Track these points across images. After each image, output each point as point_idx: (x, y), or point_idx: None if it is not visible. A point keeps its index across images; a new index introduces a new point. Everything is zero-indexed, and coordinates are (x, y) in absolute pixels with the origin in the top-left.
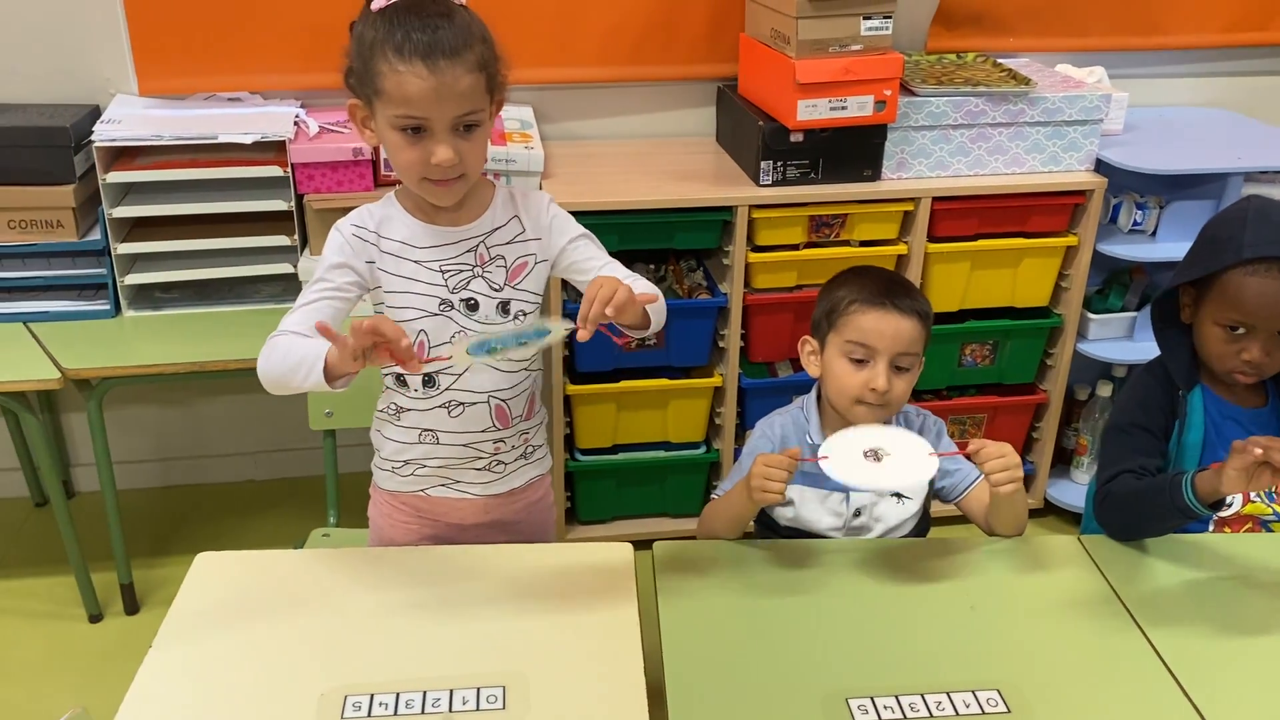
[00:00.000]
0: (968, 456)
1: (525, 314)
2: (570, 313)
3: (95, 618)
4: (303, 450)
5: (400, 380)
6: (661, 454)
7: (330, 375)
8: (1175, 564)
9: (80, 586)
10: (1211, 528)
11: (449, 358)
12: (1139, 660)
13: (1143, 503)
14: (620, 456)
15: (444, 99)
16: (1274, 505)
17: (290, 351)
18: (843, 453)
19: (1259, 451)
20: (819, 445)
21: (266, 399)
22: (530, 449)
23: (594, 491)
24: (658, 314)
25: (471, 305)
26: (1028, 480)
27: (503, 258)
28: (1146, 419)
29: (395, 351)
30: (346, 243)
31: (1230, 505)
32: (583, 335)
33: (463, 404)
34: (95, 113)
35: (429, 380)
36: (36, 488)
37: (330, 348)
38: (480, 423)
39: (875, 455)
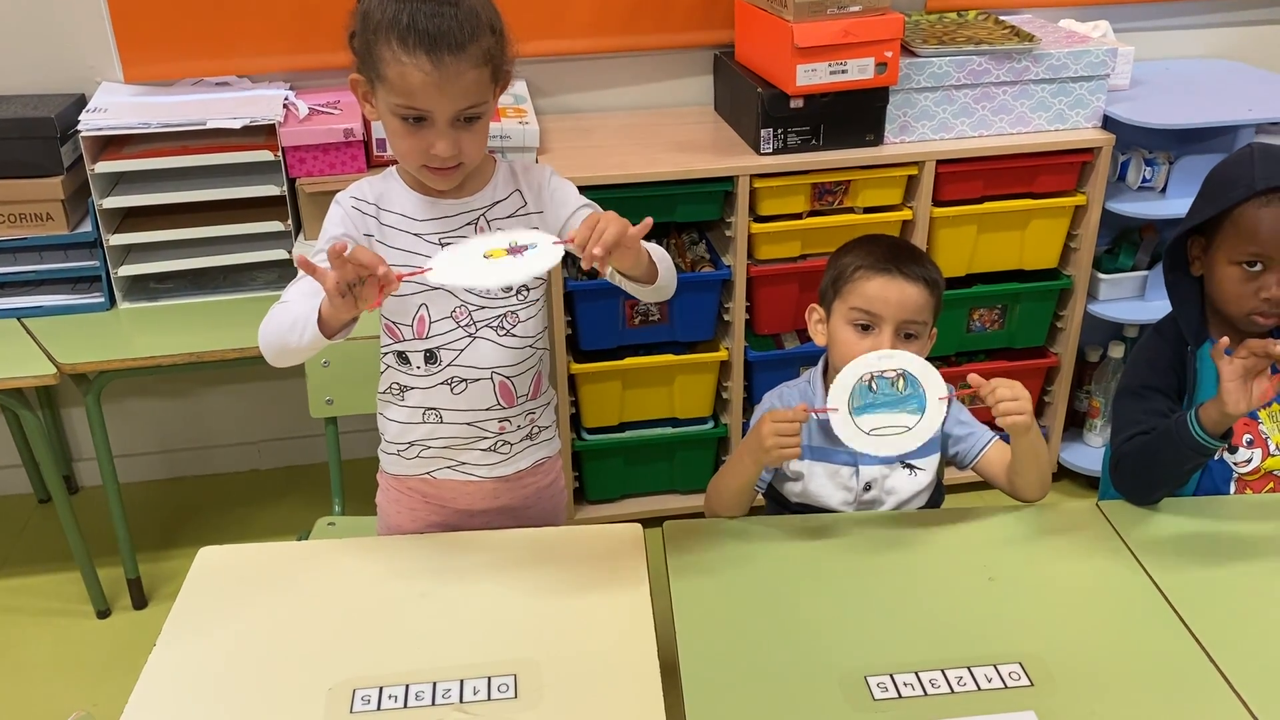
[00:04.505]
0: (976, 395)
1: (529, 289)
2: (572, 291)
3: (103, 613)
4: (305, 438)
5: (402, 358)
6: (669, 431)
7: (326, 327)
8: (1197, 527)
9: (87, 583)
10: (1233, 489)
11: (430, 270)
12: (1163, 628)
13: (1154, 454)
14: (627, 434)
15: (446, 94)
16: None
17: (285, 314)
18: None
19: (1225, 340)
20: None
21: (267, 388)
22: (536, 429)
23: (601, 471)
24: (665, 265)
25: None
26: None
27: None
28: (1157, 379)
29: (376, 273)
30: (346, 215)
31: (1250, 461)
32: (585, 263)
33: (465, 380)
34: (81, 102)
35: (431, 356)
36: (39, 484)
37: (323, 300)
38: (484, 400)
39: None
